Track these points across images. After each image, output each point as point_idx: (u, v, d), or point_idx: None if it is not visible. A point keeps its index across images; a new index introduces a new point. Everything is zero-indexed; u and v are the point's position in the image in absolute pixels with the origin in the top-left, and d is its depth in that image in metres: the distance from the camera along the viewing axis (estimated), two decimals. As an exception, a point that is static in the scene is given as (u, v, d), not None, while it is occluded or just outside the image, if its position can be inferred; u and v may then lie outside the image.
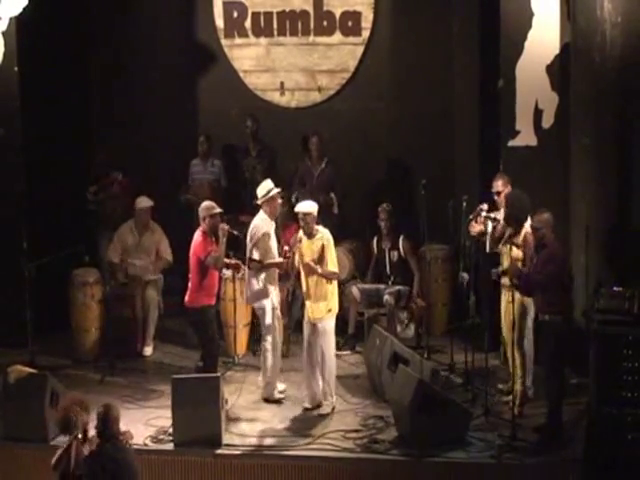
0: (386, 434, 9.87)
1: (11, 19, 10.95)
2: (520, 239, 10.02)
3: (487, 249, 10.48)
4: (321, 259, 10.40)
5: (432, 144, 12.90)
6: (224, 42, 13.48)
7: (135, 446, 9.71)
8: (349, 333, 11.96)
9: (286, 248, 10.83)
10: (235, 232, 10.75)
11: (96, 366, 11.65)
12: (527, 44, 10.95)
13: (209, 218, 10.54)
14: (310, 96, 13.42)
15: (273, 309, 10.80)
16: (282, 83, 13.44)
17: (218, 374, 10.15)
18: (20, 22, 11.38)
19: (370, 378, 11.03)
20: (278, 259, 10.75)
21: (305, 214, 10.45)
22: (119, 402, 10.64)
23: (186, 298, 10.62)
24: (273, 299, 10.80)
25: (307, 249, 10.47)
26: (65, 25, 12.77)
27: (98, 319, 11.91)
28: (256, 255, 10.67)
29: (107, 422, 8.14)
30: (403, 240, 12.06)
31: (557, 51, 10.93)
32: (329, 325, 10.50)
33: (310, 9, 13.24)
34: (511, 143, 11.12)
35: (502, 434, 9.67)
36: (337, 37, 13.23)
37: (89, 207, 12.93)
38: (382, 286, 12.03)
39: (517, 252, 10.02)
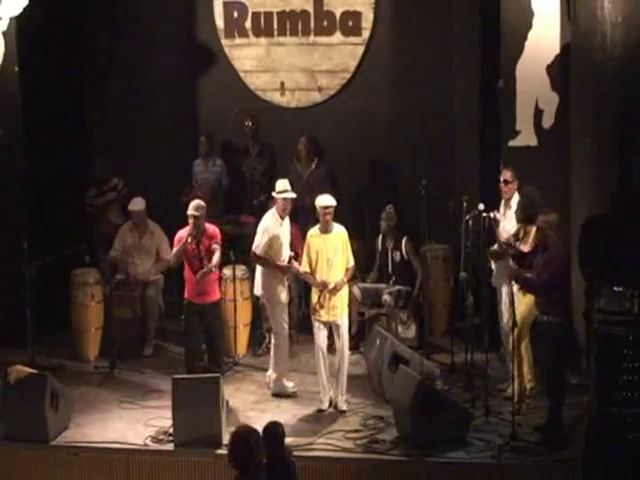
0: (386, 434, 9.86)
1: (11, 19, 10.96)
2: (531, 238, 9.99)
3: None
4: (341, 254, 10.43)
5: (432, 144, 12.88)
6: (224, 42, 13.47)
7: (135, 446, 9.77)
8: (352, 333, 11.94)
9: (291, 253, 10.79)
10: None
11: (96, 366, 11.66)
12: (527, 44, 10.94)
13: (190, 217, 10.72)
14: (310, 96, 13.40)
15: (280, 304, 10.82)
16: (282, 83, 13.42)
17: (217, 374, 10.12)
18: (20, 22, 11.37)
19: (370, 378, 11.03)
20: (283, 263, 10.73)
21: (327, 207, 10.37)
22: (119, 402, 10.72)
23: None
24: (280, 294, 10.81)
25: (322, 245, 10.45)
26: (65, 25, 12.76)
27: (98, 319, 11.90)
28: (259, 250, 10.65)
29: (279, 441, 7.89)
30: (406, 241, 12.06)
31: (557, 51, 10.93)
32: (347, 323, 10.61)
33: (310, 9, 13.22)
34: (511, 143, 11.11)
35: (502, 434, 9.67)
36: (337, 37, 13.22)
37: (87, 210, 12.94)
38: (382, 286, 12.03)
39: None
